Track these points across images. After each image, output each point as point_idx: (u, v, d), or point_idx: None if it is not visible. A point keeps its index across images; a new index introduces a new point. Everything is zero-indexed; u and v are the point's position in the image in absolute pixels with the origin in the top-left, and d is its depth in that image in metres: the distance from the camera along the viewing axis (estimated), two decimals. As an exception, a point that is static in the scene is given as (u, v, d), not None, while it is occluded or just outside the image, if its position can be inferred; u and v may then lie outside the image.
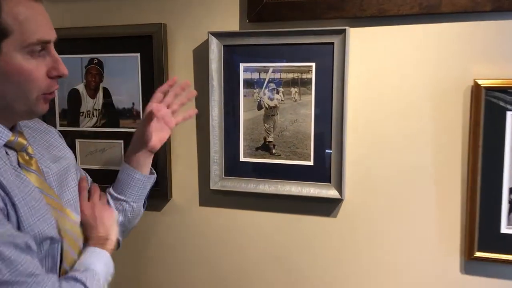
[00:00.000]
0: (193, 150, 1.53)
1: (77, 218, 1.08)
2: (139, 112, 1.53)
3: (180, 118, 1.28)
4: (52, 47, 0.94)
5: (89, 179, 1.26)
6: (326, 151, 1.38)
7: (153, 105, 1.19)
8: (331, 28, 1.32)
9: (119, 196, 1.21)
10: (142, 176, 1.22)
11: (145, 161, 1.22)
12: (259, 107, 1.43)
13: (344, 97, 1.33)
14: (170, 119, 1.25)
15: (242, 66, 1.43)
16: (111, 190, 1.24)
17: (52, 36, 0.93)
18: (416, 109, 1.31)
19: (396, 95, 1.32)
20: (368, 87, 1.34)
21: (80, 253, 1.03)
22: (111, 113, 1.56)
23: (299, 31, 1.34)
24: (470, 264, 1.30)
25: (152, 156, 1.25)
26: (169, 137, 1.47)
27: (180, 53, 1.50)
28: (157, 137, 1.22)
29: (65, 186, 1.08)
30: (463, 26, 1.25)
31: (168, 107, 1.24)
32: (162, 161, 1.52)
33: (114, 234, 1.12)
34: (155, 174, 1.29)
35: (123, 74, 1.53)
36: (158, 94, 1.23)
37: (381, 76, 1.33)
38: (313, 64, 1.36)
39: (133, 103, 1.53)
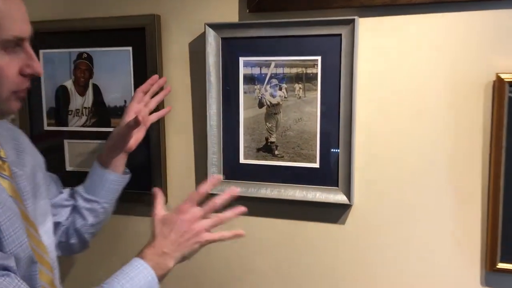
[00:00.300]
0: (189, 152, 1.42)
1: (42, 230, 0.98)
2: (132, 111, 1.42)
3: (154, 116, 1.26)
4: (27, 44, 0.87)
5: (60, 184, 1.23)
6: (333, 151, 1.26)
7: (135, 108, 1.21)
8: (339, 18, 1.21)
9: (90, 197, 1.17)
10: (116, 177, 1.19)
11: (121, 161, 1.20)
12: (261, 104, 1.32)
13: (352, 94, 1.21)
14: (147, 118, 1.24)
15: (241, 60, 1.32)
16: (81, 191, 1.18)
17: (27, 32, 0.86)
18: (431, 107, 1.20)
19: (409, 91, 1.21)
20: (379, 82, 1.23)
21: (51, 269, 0.94)
22: (101, 112, 1.45)
23: (304, 21, 1.23)
24: (492, 276, 1.19)
25: (127, 155, 1.21)
26: (164, 139, 1.38)
27: (175, 47, 1.39)
28: (134, 138, 1.20)
29: (37, 192, 0.99)
30: (484, 14, 1.14)
31: (145, 105, 1.23)
32: (156, 164, 1.41)
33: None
34: (130, 174, 1.25)
35: (114, 70, 1.42)
36: (139, 94, 1.22)
37: (393, 71, 1.22)
38: (319, 58, 1.25)
39: (125, 101, 1.43)
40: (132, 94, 1.40)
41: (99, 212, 1.18)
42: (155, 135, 1.40)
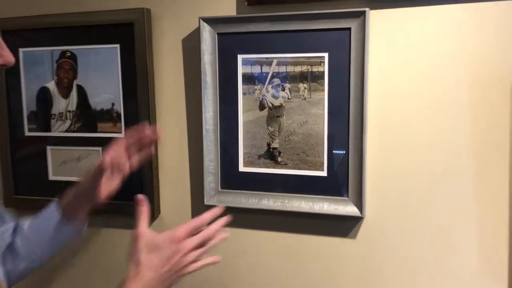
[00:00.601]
0: (184, 159, 1.29)
1: None
2: (120, 114, 1.30)
3: (135, 162, 1.04)
4: None
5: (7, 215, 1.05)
6: (342, 158, 1.14)
7: (110, 153, 0.98)
8: (348, 10, 1.09)
9: (30, 242, 1.00)
10: (71, 230, 1.03)
11: (84, 213, 1.03)
12: (262, 107, 1.20)
13: (364, 94, 1.09)
14: (125, 165, 1.01)
15: (240, 58, 1.20)
16: (25, 227, 1.02)
17: None
18: (451, 106, 1.08)
19: (426, 90, 1.09)
20: (392, 81, 1.11)
21: None
22: (87, 116, 1.33)
23: (309, 14, 1.11)
24: (521, 296, 1.07)
25: (95, 206, 1.04)
26: (155, 144, 1.26)
27: (167, 44, 1.27)
28: (106, 189, 1.01)
29: None
30: (509, 4, 1.02)
31: (126, 151, 1.01)
32: (147, 173, 1.29)
33: None
34: (87, 222, 1.08)
35: (100, 69, 1.30)
36: (119, 143, 1.01)
37: (408, 68, 1.10)
38: (326, 55, 1.13)
39: (113, 104, 1.30)
40: (120, 96, 1.29)
41: (35, 260, 1.01)
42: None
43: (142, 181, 1.30)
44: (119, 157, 0.99)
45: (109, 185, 1.01)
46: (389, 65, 1.11)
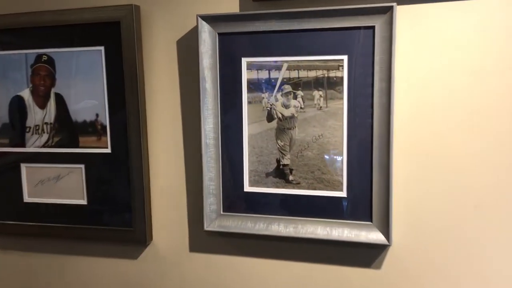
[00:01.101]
0: (180, 178, 1.13)
1: None
2: (105, 127, 1.13)
3: None
4: None
5: None
6: (365, 175, 0.99)
7: None
8: (371, 5, 0.94)
9: None
10: None
11: None
12: (270, 117, 1.04)
13: (390, 102, 0.94)
14: None
15: (245, 61, 1.04)
16: None
17: None
18: (492, 116, 0.93)
19: (463, 97, 0.94)
20: (424, 87, 0.96)
21: None
22: (67, 128, 1.16)
23: (325, 11, 0.96)
24: None
25: None
26: (147, 162, 1.10)
27: (160, 46, 1.10)
28: None
29: None
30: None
31: None
32: (138, 194, 1.12)
33: None
34: None
35: (82, 75, 1.13)
36: None
37: (442, 72, 0.95)
38: (345, 58, 0.98)
39: (97, 114, 1.14)
40: (105, 106, 1.12)
41: None
42: (136, 156, 1.11)
43: (131, 203, 1.13)
44: None
45: None
46: (420, 69, 0.96)
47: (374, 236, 0.99)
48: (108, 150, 1.14)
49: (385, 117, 0.96)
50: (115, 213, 1.16)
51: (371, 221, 1.00)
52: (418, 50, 0.95)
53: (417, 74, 0.96)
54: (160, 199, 1.15)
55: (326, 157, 1.02)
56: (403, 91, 0.96)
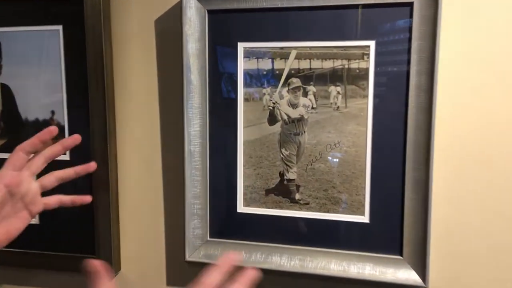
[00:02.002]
0: (156, 193, 0.90)
1: None
2: (63, 127, 0.90)
3: (54, 199, 0.67)
4: None
5: None
6: (394, 196, 0.77)
7: (7, 177, 0.62)
8: (409, -25, 0.72)
9: None
10: None
11: None
12: (273, 119, 0.81)
13: (432, 102, 0.72)
14: (35, 199, 0.65)
15: (241, 47, 0.81)
16: None
17: None
18: None
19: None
20: (474, 84, 0.74)
21: None
22: (15, 128, 0.92)
23: (348, -18, 0.74)
24: None
25: None
26: (115, 173, 0.87)
27: (133, 26, 0.87)
28: (3, 229, 0.62)
29: None
30: None
31: (28, 171, 0.64)
32: (103, 211, 0.89)
33: None
34: None
35: (34, 62, 0.90)
36: (18, 155, 0.63)
37: (500, 63, 0.73)
38: (372, 44, 0.76)
39: (53, 112, 0.90)
40: (63, 101, 0.89)
41: None
42: (101, 165, 0.87)
43: (94, 224, 0.90)
44: (19, 182, 0.62)
45: (10, 225, 0.62)
46: (472, 60, 0.74)
47: (405, 274, 0.77)
48: (66, 157, 0.90)
49: (424, 120, 0.74)
50: (74, 237, 0.92)
51: (401, 255, 0.77)
52: (469, 34, 0.74)
53: (467, 66, 0.74)
54: (131, 220, 0.91)
55: (344, 171, 0.79)
56: (448, 87, 0.75)
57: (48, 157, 0.65)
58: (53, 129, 0.65)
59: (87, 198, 0.69)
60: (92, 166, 0.68)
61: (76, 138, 0.66)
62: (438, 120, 0.73)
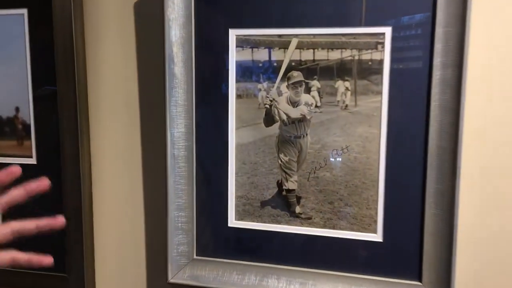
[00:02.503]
0: (135, 205, 0.78)
1: None
2: (29, 126, 0.78)
3: (7, 257, 0.52)
4: None
5: None
6: (412, 210, 0.65)
7: None
8: None
9: None
10: None
11: None
12: (269, 120, 0.70)
13: (460, 100, 0.60)
14: None
15: (234, 35, 0.69)
16: None
17: None
18: None
19: None
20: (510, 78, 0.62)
21: None
22: (-25, 128, 0.81)
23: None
24: None
25: None
26: (89, 182, 0.76)
27: (109, 10, 0.75)
28: None
29: None
30: None
31: None
32: (75, 224, 0.77)
33: None
34: None
35: (-4, 52, 0.78)
36: None
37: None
38: (388, 31, 0.64)
39: (17, 108, 0.79)
40: (29, 96, 0.78)
41: None
42: (72, 171, 0.76)
43: (65, 239, 0.78)
44: None
45: None
46: (510, 51, 0.62)
47: (425, 303, 0.65)
48: (33, 161, 0.79)
49: (450, 122, 0.62)
50: (43, 253, 0.80)
51: (420, 281, 0.66)
52: (507, 18, 0.62)
53: (503, 57, 0.62)
54: (107, 235, 0.80)
55: (353, 180, 0.67)
56: (479, 83, 0.63)
57: (6, 204, 0.52)
58: (15, 170, 0.52)
59: (47, 260, 0.55)
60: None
61: (44, 185, 0.53)
62: (467, 122, 0.61)
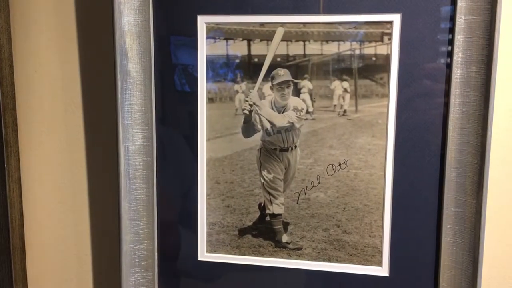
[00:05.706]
0: (80, 236, 0.63)
1: None
2: None
3: None
4: None
5: None
6: (425, 239, 0.54)
7: None
8: None
9: None
10: None
11: None
12: (249, 129, 0.56)
13: (488, 105, 0.49)
14: None
15: (202, 23, 0.56)
16: None
17: None
18: None
19: None
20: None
21: None
22: None
23: None
24: None
25: None
26: (19, 199, 0.60)
27: (41, -10, 0.60)
28: None
29: None
30: None
31: None
32: (3, 266, 0.62)
33: None
34: None
35: None
36: None
37: None
38: (397, 18, 0.52)
39: None
40: None
41: None
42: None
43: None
44: None
45: None
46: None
47: None
48: None
49: (473, 132, 0.50)
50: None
51: (436, 323, 0.54)
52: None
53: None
54: (42, 275, 0.64)
55: (353, 202, 0.55)
56: (508, 83, 0.52)
57: None
58: None
59: None
60: None
61: None
62: (495, 132, 0.50)
